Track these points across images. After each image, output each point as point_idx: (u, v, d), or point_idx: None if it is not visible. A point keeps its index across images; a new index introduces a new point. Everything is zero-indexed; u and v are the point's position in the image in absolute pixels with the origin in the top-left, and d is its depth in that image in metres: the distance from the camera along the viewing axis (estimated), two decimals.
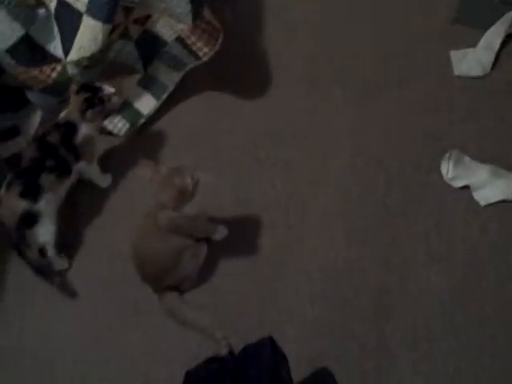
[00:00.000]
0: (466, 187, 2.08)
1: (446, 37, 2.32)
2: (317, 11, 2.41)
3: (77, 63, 1.95)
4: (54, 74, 1.96)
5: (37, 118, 2.26)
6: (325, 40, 2.36)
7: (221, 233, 2.02)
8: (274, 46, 2.34)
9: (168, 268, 1.89)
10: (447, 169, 2.09)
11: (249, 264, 2.02)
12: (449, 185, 2.09)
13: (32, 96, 2.07)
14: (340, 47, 2.34)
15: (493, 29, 2.29)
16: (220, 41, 2.11)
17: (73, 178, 2.05)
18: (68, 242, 2.10)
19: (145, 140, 2.25)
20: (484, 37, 2.29)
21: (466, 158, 2.11)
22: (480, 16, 2.29)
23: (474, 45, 2.29)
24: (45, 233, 1.98)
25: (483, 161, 2.10)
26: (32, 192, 1.93)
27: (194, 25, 2.05)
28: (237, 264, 2.02)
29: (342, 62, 2.32)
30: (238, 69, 2.30)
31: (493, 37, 2.28)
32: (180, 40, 2.12)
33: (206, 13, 2.08)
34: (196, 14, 2.04)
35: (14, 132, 2.25)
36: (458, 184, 2.08)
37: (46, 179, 1.94)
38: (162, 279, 1.91)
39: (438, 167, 2.11)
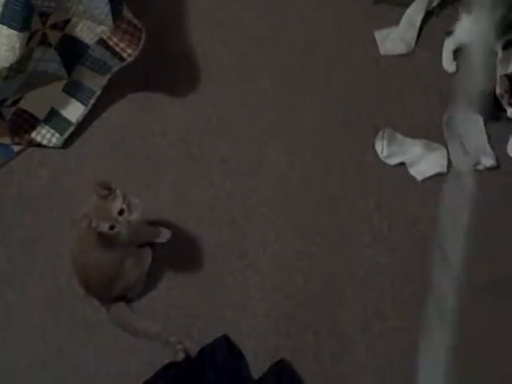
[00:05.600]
0: (402, 164, 2.12)
1: (370, 18, 2.34)
2: (240, 8, 2.37)
3: None
4: None
5: None
6: (251, 34, 2.32)
7: (164, 235, 1.96)
8: (200, 44, 2.28)
9: (111, 278, 1.83)
10: (382, 148, 2.12)
11: (196, 265, 2.00)
12: (385, 163, 2.12)
13: None
14: (266, 38, 2.31)
15: (413, 6, 2.32)
16: (143, 41, 2.06)
17: None
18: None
19: (76, 147, 2.18)
20: (405, 15, 2.32)
21: (399, 136, 2.14)
22: None
23: (396, 23, 2.32)
24: None
25: (415, 137, 2.15)
26: None
27: (115, 26, 1.99)
28: (184, 266, 1.99)
29: (269, 52, 2.29)
30: (165, 68, 2.23)
31: (413, 14, 2.32)
32: (102, 42, 2.05)
33: (127, 13, 2.01)
34: (116, 15, 1.97)
35: None
36: (394, 161, 2.12)
37: None
38: (107, 291, 1.85)
39: (373, 147, 2.14)
